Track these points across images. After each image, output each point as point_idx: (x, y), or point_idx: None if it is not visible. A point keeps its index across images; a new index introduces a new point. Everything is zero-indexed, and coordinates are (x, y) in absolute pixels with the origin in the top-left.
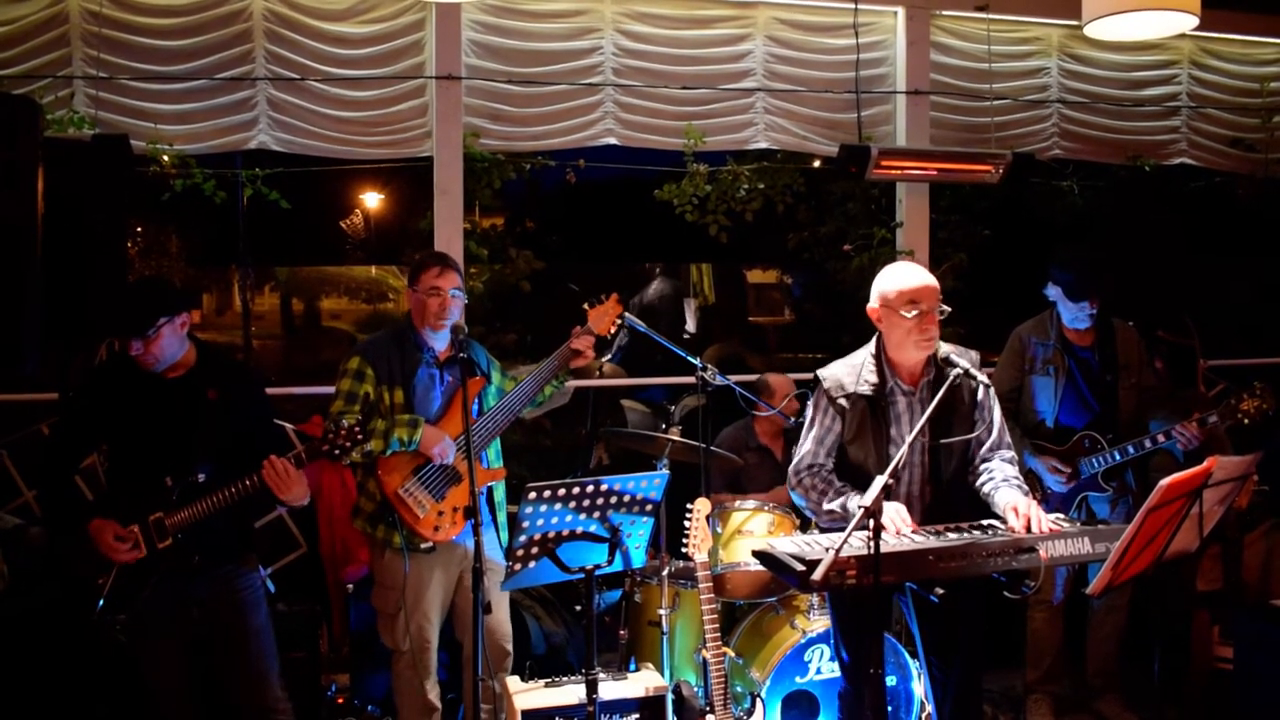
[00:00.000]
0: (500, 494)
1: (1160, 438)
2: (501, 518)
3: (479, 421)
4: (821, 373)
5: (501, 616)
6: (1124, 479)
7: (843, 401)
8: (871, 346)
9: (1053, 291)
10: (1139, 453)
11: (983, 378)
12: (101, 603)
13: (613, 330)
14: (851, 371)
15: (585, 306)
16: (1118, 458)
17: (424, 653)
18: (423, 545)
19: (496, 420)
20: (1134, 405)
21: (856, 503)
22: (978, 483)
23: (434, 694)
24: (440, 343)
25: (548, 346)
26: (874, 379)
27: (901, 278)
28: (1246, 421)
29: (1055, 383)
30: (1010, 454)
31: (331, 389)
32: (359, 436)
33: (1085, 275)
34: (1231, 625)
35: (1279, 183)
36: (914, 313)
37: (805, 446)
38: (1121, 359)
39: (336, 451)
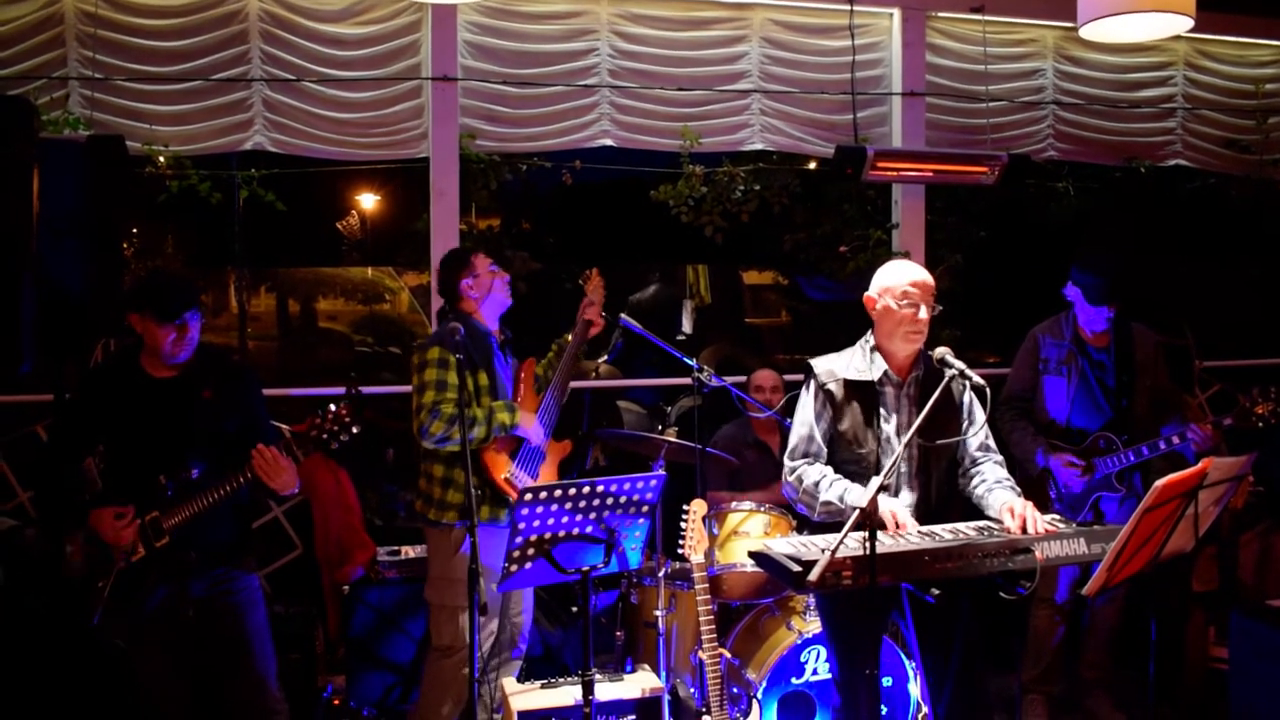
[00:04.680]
0: None
1: (1175, 439)
2: None
3: (547, 400)
4: (813, 360)
5: (525, 605)
6: (1132, 481)
7: (832, 386)
8: (864, 338)
9: (1071, 292)
10: (1153, 454)
11: (978, 380)
12: (99, 613)
13: (603, 292)
14: (842, 358)
15: (581, 282)
16: (1132, 459)
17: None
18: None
19: (557, 396)
20: (1148, 407)
21: (852, 500)
22: (969, 486)
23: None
24: (494, 325)
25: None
26: (864, 365)
27: (899, 272)
28: (1260, 425)
29: (1068, 383)
30: (999, 458)
31: (328, 390)
32: (346, 420)
33: (1107, 282)
34: (1227, 626)
35: (1273, 184)
36: (906, 304)
37: (799, 432)
38: (1139, 360)
39: (325, 436)
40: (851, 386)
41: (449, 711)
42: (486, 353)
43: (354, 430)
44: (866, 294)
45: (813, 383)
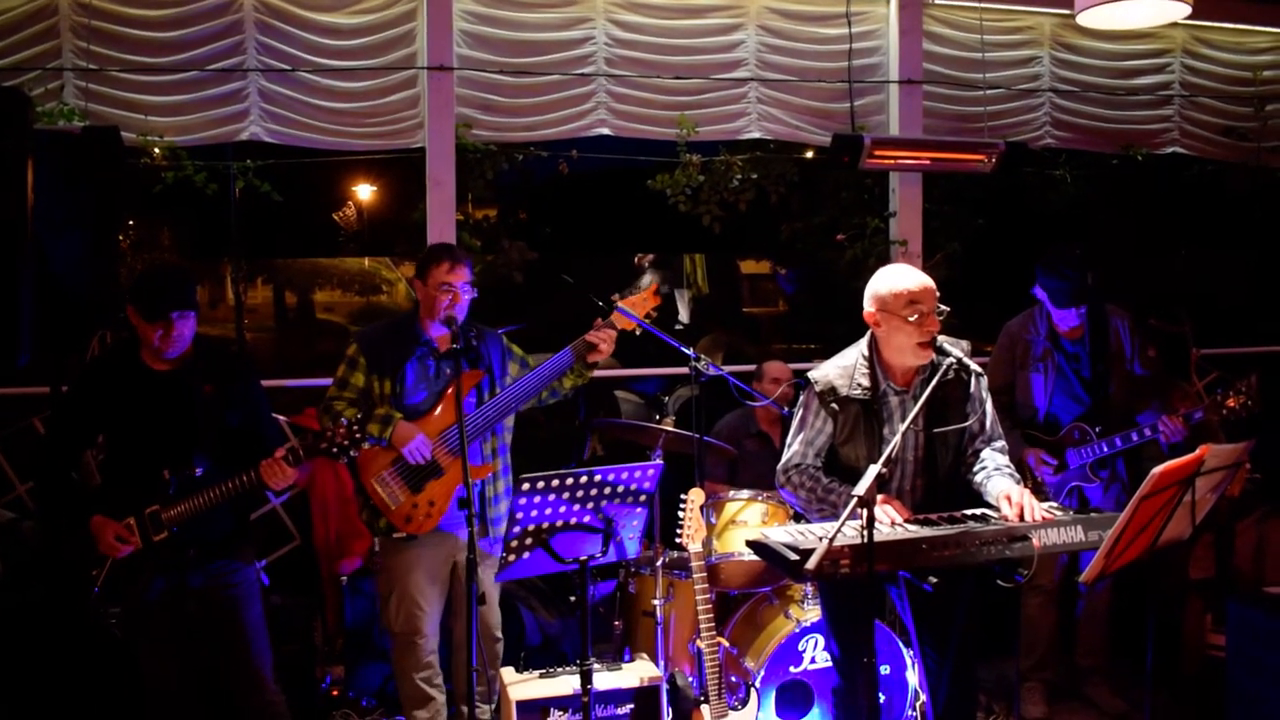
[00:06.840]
0: (493, 490)
1: (1147, 431)
2: (491, 512)
3: (473, 414)
4: (812, 374)
5: (490, 606)
6: (1115, 467)
7: (834, 405)
8: (864, 347)
9: (1039, 293)
10: (1125, 445)
11: (975, 367)
12: (96, 590)
13: (649, 318)
14: (843, 374)
15: (615, 297)
16: (1105, 450)
17: (412, 641)
18: (394, 534)
19: (489, 414)
20: (1124, 395)
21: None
22: (969, 474)
23: (432, 685)
24: (439, 332)
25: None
26: (866, 382)
27: (899, 279)
28: (1231, 418)
29: (1045, 378)
30: (1002, 444)
31: (326, 381)
32: (357, 435)
33: (1070, 286)
34: (1224, 613)
35: (1271, 171)
36: (915, 315)
37: (794, 447)
38: (1112, 349)
39: (334, 450)
40: (854, 403)
41: (405, 703)
42: (401, 359)
43: (363, 447)
44: (865, 310)
45: (814, 399)
